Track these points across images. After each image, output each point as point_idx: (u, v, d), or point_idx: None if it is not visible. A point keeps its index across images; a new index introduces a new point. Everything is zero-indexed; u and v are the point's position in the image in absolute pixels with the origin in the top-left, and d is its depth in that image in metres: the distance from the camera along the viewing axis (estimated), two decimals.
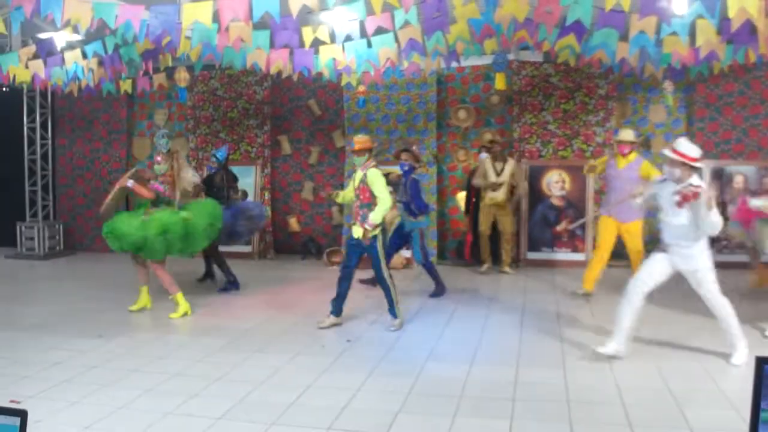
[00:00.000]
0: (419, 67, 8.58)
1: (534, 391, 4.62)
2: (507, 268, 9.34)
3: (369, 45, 7.14)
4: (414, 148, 8.15)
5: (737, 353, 5.17)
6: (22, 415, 1.89)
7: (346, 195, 6.62)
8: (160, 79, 9.11)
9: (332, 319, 6.49)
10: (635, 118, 10.07)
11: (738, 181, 9.14)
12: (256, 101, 11.28)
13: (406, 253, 9.57)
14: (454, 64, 8.39)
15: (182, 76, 8.96)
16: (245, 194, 10.64)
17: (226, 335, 6.21)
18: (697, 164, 5.04)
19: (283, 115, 11.46)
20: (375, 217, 6.15)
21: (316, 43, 6.89)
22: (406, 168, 7.85)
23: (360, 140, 6.40)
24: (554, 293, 7.96)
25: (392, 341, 5.97)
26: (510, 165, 9.19)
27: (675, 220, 5.13)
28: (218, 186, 8.43)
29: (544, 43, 6.85)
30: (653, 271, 5.32)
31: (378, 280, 6.45)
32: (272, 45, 6.87)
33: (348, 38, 6.86)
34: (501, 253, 9.44)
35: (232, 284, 8.40)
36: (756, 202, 6.25)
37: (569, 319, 6.66)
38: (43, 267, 10.77)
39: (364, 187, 6.25)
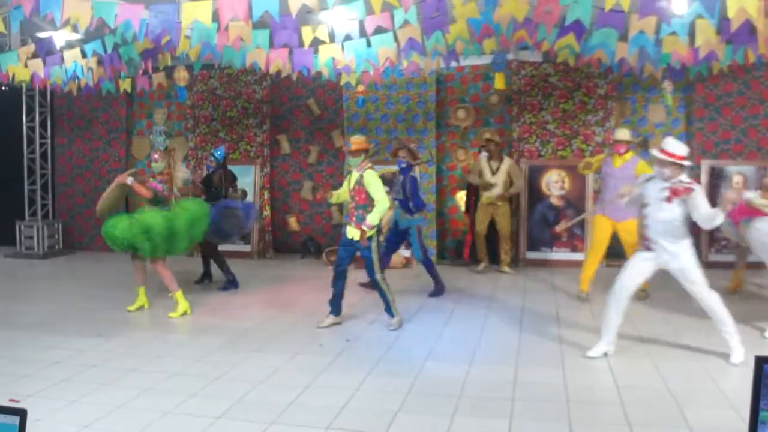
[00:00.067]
0: (418, 67, 8.58)
1: (533, 391, 4.62)
2: (506, 268, 9.34)
3: (368, 44, 7.13)
4: (411, 145, 8.18)
5: (735, 352, 5.19)
6: (22, 414, 1.89)
7: (341, 195, 6.61)
8: (159, 78, 9.11)
9: (332, 318, 6.49)
10: (634, 117, 10.08)
11: (737, 181, 9.14)
12: (255, 100, 11.28)
13: (405, 253, 9.59)
14: (453, 64, 8.39)
15: (181, 76, 8.95)
16: (244, 193, 10.63)
17: (224, 334, 6.21)
18: (686, 162, 5.10)
19: (283, 115, 11.46)
20: (373, 218, 6.16)
21: (316, 42, 6.89)
22: (404, 165, 7.87)
23: (357, 141, 6.39)
24: (553, 293, 7.97)
25: (391, 341, 5.97)
26: (506, 164, 9.19)
27: (662, 215, 5.17)
28: (217, 185, 8.43)
29: (544, 42, 6.84)
30: (638, 269, 5.35)
31: (372, 281, 6.44)
32: (271, 44, 6.87)
33: (347, 38, 6.86)
34: (500, 253, 9.45)
35: (231, 283, 8.41)
36: (750, 195, 6.25)
37: (568, 319, 6.66)
38: (42, 266, 10.76)
39: (360, 188, 6.25)
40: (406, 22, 6.19)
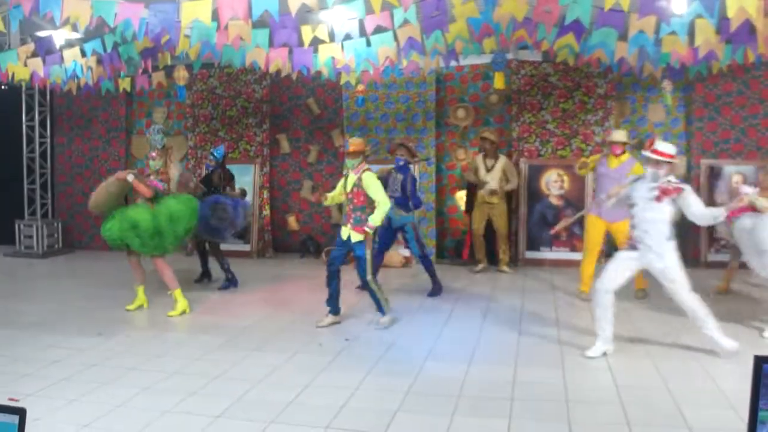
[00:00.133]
0: (418, 66, 8.58)
1: (532, 391, 4.62)
2: (505, 268, 9.34)
3: (368, 44, 7.13)
4: (410, 144, 8.19)
5: (723, 343, 5.26)
6: (21, 413, 1.89)
7: (335, 198, 6.61)
8: (159, 77, 9.11)
9: (331, 318, 6.50)
10: (634, 117, 10.08)
11: (736, 181, 9.14)
12: (255, 100, 11.27)
13: (404, 252, 9.58)
14: (453, 63, 8.38)
15: (181, 75, 8.94)
16: (244, 193, 10.63)
17: (224, 333, 6.21)
18: (676, 161, 5.25)
19: (282, 114, 11.46)
20: (375, 219, 6.19)
21: (315, 41, 6.89)
22: (402, 163, 7.89)
23: (355, 143, 6.40)
24: (553, 293, 7.97)
25: (391, 340, 5.97)
26: (501, 162, 9.18)
27: (650, 215, 5.23)
28: (216, 184, 8.44)
29: (543, 42, 6.85)
30: (620, 269, 5.38)
31: (361, 281, 6.43)
32: (271, 43, 6.87)
33: (347, 37, 6.86)
34: (498, 253, 9.44)
35: (230, 282, 8.42)
36: (747, 189, 6.24)
37: (567, 319, 6.66)
38: (42, 265, 10.76)
39: (359, 190, 6.25)
40: (405, 22, 6.19)
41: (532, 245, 10.03)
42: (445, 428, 3.99)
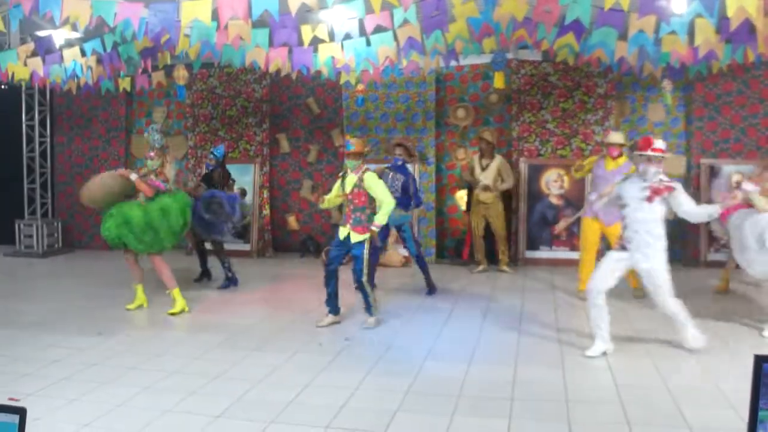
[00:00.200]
0: (418, 66, 8.58)
1: (532, 390, 4.62)
2: (505, 267, 9.34)
3: (368, 43, 7.13)
4: (408, 143, 8.21)
5: (695, 339, 5.37)
6: (21, 412, 1.89)
7: (331, 200, 6.60)
8: (158, 77, 9.11)
9: (330, 317, 6.50)
10: (634, 117, 10.08)
11: (737, 180, 9.14)
12: (254, 99, 11.27)
13: (404, 252, 9.58)
14: (452, 63, 8.38)
15: (181, 74, 8.94)
16: (243, 193, 10.66)
17: (224, 333, 6.21)
18: (668, 155, 5.41)
19: (282, 114, 11.45)
20: (381, 218, 6.21)
21: (315, 41, 6.89)
22: (400, 163, 7.91)
23: (357, 143, 6.41)
24: (553, 292, 7.97)
25: (390, 340, 5.97)
26: (496, 161, 9.17)
27: (641, 215, 5.25)
28: (217, 183, 8.46)
29: (543, 42, 6.85)
30: (610, 270, 5.40)
31: (356, 281, 6.39)
32: (271, 43, 6.88)
33: (347, 37, 6.86)
34: (497, 253, 9.44)
35: (231, 281, 8.44)
36: (750, 187, 6.25)
37: (567, 318, 6.66)
38: (42, 265, 10.76)
39: (360, 191, 6.26)
40: (405, 21, 6.20)
41: (532, 245, 10.04)
42: (445, 428, 3.99)
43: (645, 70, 8.26)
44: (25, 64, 7.97)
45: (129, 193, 7.02)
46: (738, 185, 6.48)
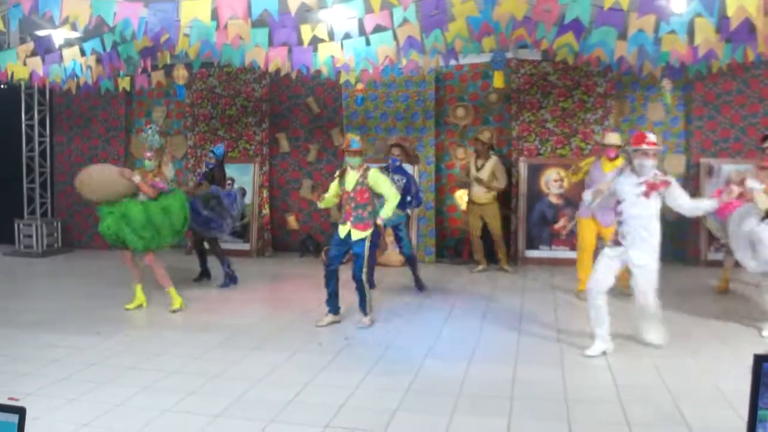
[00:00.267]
0: (418, 65, 8.57)
1: (532, 390, 4.62)
2: (506, 267, 9.34)
3: (367, 43, 7.13)
4: (406, 143, 8.23)
5: (660, 335, 5.49)
6: (21, 412, 1.89)
7: (330, 200, 6.59)
8: (158, 76, 9.10)
9: (330, 317, 6.49)
10: (633, 116, 10.08)
11: (740, 179, 9.12)
12: (254, 99, 11.27)
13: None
14: (452, 62, 8.38)
15: (181, 74, 8.93)
16: (243, 192, 10.66)
17: (223, 332, 6.21)
18: (660, 148, 5.45)
19: (282, 113, 11.45)
20: (387, 212, 6.28)
21: (315, 40, 6.89)
22: (398, 164, 7.92)
23: (360, 141, 6.43)
24: (552, 292, 7.97)
25: (390, 340, 5.97)
26: (491, 162, 9.17)
27: (637, 211, 5.26)
28: (218, 181, 8.51)
29: (543, 41, 6.84)
30: (607, 269, 5.40)
31: (355, 279, 6.39)
32: (271, 43, 6.87)
33: (346, 36, 6.86)
34: (497, 253, 9.44)
35: (230, 278, 8.48)
36: (754, 184, 6.24)
37: (567, 318, 6.66)
38: (41, 264, 10.76)
39: (363, 188, 6.27)
40: (405, 21, 6.20)
41: (532, 244, 10.03)
42: (445, 427, 3.99)
43: (644, 70, 8.26)
44: (25, 64, 7.96)
45: (129, 194, 7.02)
46: (741, 182, 6.46)
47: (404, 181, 7.88)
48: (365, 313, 6.45)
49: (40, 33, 8.22)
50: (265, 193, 11.22)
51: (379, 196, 6.45)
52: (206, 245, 8.68)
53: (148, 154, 7.19)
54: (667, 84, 8.66)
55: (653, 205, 5.25)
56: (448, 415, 4.15)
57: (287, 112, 11.43)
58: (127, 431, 3.97)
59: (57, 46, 7.90)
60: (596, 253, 7.71)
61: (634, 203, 5.25)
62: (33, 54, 7.91)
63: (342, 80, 9.21)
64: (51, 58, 7.98)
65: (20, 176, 11.76)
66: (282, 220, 11.42)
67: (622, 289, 7.24)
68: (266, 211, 11.21)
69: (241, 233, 10.76)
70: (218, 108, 11.42)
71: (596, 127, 9.93)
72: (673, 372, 4.92)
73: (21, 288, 8.69)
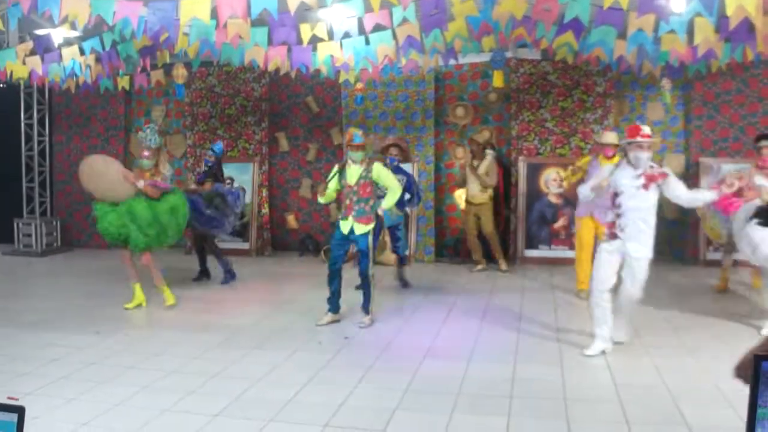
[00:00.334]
0: (417, 65, 8.58)
1: (531, 389, 4.63)
2: (502, 267, 9.31)
3: (367, 42, 7.12)
4: (403, 143, 8.25)
5: (626, 333, 5.56)
6: (20, 411, 1.89)
7: (330, 195, 6.58)
8: (157, 75, 9.09)
9: (330, 316, 6.49)
10: (633, 115, 10.06)
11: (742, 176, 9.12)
12: (253, 98, 11.26)
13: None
14: (452, 62, 8.38)
15: (180, 73, 8.94)
16: (243, 191, 10.65)
17: (223, 332, 6.21)
18: (656, 139, 5.55)
19: (281, 112, 11.45)
20: (388, 203, 6.37)
21: (314, 40, 6.88)
22: (396, 163, 7.95)
23: (363, 135, 6.45)
24: (552, 291, 7.97)
25: (389, 339, 5.98)
26: (485, 162, 9.18)
27: (636, 203, 5.26)
28: (219, 178, 8.63)
29: (542, 40, 6.84)
30: (609, 265, 5.38)
31: (361, 274, 6.42)
32: (270, 42, 6.87)
33: (346, 35, 6.85)
34: (492, 253, 9.46)
35: (228, 273, 8.58)
36: (761, 181, 6.24)
37: (566, 317, 6.66)
38: (41, 263, 10.75)
39: (366, 182, 6.29)
40: (404, 20, 6.19)
41: (531, 243, 10.03)
42: (444, 426, 3.99)
43: (644, 69, 8.26)
44: (24, 63, 7.96)
45: (128, 196, 7.02)
46: (740, 179, 6.48)
47: (405, 180, 7.90)
48: (367, 312, 6.45)
49: (40, 32, 8.21)
50: (265, 193, 11.22)
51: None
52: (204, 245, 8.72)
53: (146, 153, 7.19)
54: (666, 83, 8.66)
55: (652, 197, 5.26)
56: (447, 414, 4.16)
57: (287, 112, 11.43)
58: (126, 430, 3.97)
59: (56, 45, 7.89)
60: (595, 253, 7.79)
61: (633, 196, 5.25)
62: (32, 53, 7.90)
63: (341, 79, 9.21)
64: (50, 57, 7.97)
65: (19, 175, 11.76)
66: (281, 219, 11.41)
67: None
68: (265, 210, 11.21)
69: (241, 232, 10.76)
70: (217, 107, 11.42)
71: (596, 126, 9.92)
72: (673, 371, 4.92)
73: (20, 287, 8.69)
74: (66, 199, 12.24)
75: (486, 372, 5.00)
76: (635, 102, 10.09)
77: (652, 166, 5.29)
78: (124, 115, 12.05)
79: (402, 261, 8.35)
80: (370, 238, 6.32)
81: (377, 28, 6.41)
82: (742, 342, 5.32)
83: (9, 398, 3.85)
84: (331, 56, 7.52)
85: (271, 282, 8.95)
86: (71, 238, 12.19)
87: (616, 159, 7.17)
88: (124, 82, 9.26)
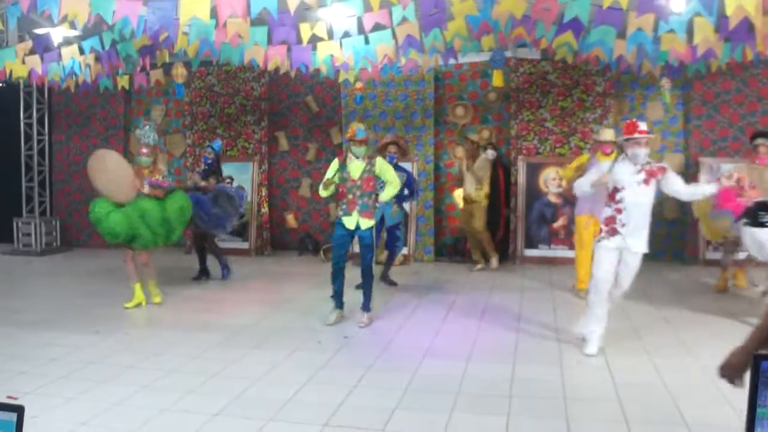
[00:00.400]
0: (417, 64, 8.58)
1: (530, 388, 4.62)
2: (493, 264, 9.30)
3: (366, 41, 7.12)
4: (401, 141, 8.27)
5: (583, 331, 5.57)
6: (19, 410, 1.88)
7: (332, 189, 6.56)
8: (157, 75, 9.10)
9: (338, 314, 6.48)
10: (632, 115, 10.04)
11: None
12: (253, 97, 11.26)
13: (403, 250, 9.60)
14: (451, 61, 8.39)
15: (179, 72, 8.95)
16: (242, 190, 10.66)
17: (222, 331, 6.20)
18: (653, 135, 5.55)
19: (281, 112, 11.45)
20: (387, 195, 6.44)
21: (314, 39, 6.88)
22: (395, 161, 7.96)
23: (365, 130, 6.46)
24: (551, 290, 7.97)
25: (389, 338, 5.97)
26: (480, 160, 9.19)
27: (638, 199, 5.27)
28: (219, 176, 8.68)
29: (542, 40, 6.85)
30: (609, 261, 5.38)
31: (365, 269, 6.40)
32: (270, 41, 6.87)
33: (345, 35, 6.85)
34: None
35: (226, 269, 8.71)
36: None
37: (566, 317, 6.65)
38: (40, 263, 10.75)
39: (369, 176, 6.30)
40: (404, 19, 6.20)
41: (531, 243, 10.04)
42: (444, 425, 3.99)
43: (643, 69, 8.26)
44: (24, 62, 7.96)
45: (128, 199, 7.05)
46: (743, 178, 6.51)
47: (405, 177, 7.95)
48: (367, 309, 6.45)
49: (39, 31, 8.20)
50: (264, 192, 11.22)
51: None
52: (205, 244, 8.74)
53: (145, 150, 7.21)
54: (666, 83, 8.67)
55: (651, 192, 5.29)
56: (447, 414, 4.15)
57: (286, 111, 11.43)
58: (125, 430, 3.97)
59: (56, 44, 7.90)
60: None
61: (634, 191, 5.25)
62: (32, 52, 7.90)
63: (341, 79, 9.21)
64: (50, 56, 7.97)
65: (19, 175, 11.76)
66: (281, 218, 11.42)
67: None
68: (265, 209, 11.21)
69: (240, 232, 10.76)
70: (217, 106, 11.42)
71: (595, 126, 9.92)
72: (672, 371, 4.92)
73: (20, 287, 8.69)
74: (65, 198, 12.25)
75: (485, 371, 5.00)
76: (635, 101, 10.10)
77: (649, 162, 5.31)
78: (123, 114, 12.06)
79: (391, 257, 8.38)
80: (374, 232, 6.37)
81: (377, 27, 6.41)
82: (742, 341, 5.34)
83: (8, 397, 3.84)
84: (331, 56, 7.52)
85: (270, 281, 8.94)
86: (71, 237, 12.19)
87: (614, 156, 7.20)
88: (123, 82, 9.26)
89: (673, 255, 9.73)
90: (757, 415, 1.93)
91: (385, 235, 8.23)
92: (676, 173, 5.45)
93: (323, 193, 6.49)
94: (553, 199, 9.99)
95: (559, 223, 9.88)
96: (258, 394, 4.57)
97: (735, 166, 7.51)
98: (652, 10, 5.70)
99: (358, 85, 9.53)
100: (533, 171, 10.09)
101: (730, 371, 2.31)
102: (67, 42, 7.99)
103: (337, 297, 6.50)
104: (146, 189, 6.99)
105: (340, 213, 6.40)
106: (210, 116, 11.46)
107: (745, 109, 9.57)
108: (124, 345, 5.80)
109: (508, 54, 9.82)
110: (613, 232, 5.31)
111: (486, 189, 9.19)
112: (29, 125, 11.69)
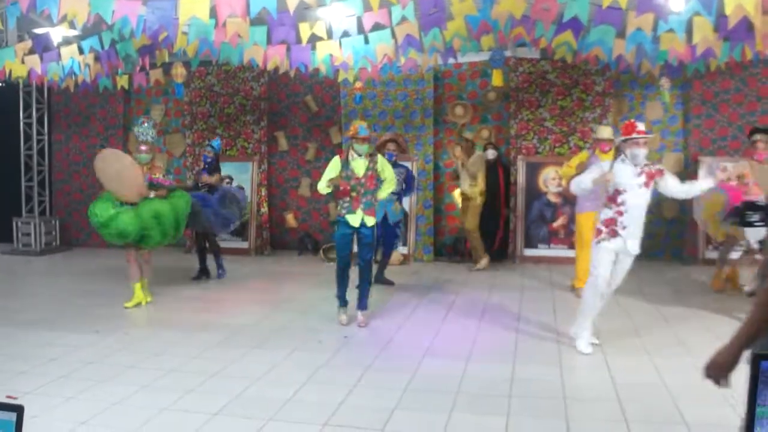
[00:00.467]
0: (416, 64, 8.57)
1: (530, 388, 4.63)
2: (479, 264, 9.29)
3: (366, 41, 7.12)
4: (400, 139, 8.28)
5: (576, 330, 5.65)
6: (19, 410, 1.88)
7: (331, 187, 6.56)
8: (156, 74, 9.10)
9: (346, 312, 6.48)
10: (632, 114, 10.06)
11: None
12: (253, 97, 11.26)
13: (402, 250, 9.61)
14: (451, 61, 8.39)
15: (179, 72, 8.95)
16: (242, 190, 10.67)
17: (222, 331, 6.20)
18: (652, 136, 5.57)
19: (280, 111, 11.44)
20: (384, 193, 6.43)
21: (313, 39, 6.88)
22: (394, 159, 7.97)
23: (368, 128, 6.45)
24: (551, 290, 7.97)
25: (389, 338, 5.98)
26: (473, 156, 9.20)
27: (639, 200, 5.29)
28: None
29: (541, 39, 6.85)
30: (609, 261, 5.39)
31: (364, 268, 6.40)
32: (269, 41, 6.87)
33: (345, 34, 6.85)
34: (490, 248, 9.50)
35: (220, 268, 8.78)
36: None
37: (565, 316, 6.65)
38: (40, 263, 10.75)
39: (373, 174, 6.30)
40: (403, 19, 6.19)
41: (530, 242, 10.04)
42: (443, 425, 3.99)
43: (643, 68, 8.26)
44: (23, 62, 7.95)
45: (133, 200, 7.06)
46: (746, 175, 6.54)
47: (405, 173, 8.07)
48: (364, 307, 6.43)
49: (38, 31, 8.20)
50: (264, 192, 11.22)
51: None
52: (206, 244, 8.77)
53: (144, 148, 7.22)
54: (665, 82, 8.66)
55: (649, 194, 5.34)
56: (446, 414, 4.16)
57: (286, 111, 11.42)
58: (125, 430, 3.97)
59: (55, 44, 7.89)
60: None
61: (636, 193, 5.27)
62: (31, 52, 7.90)
63: (340, 78, 9.21)
64: (49, 56, 7.97)
65: (18, 174, 11.75)
66: (280, 218, 11.41)
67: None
68: (265, 209, 11.21)
69: (240, 231, 10.76)
70: (217, 106, 11.41)
71: (595, 125, 9.90)
72: (671, 370, 4.92)
73: (19, 286, 8.68)
74: (65, 198, 12.24)
75: (485, 371, 5.00)
76: (634, 101, 10.10)
77: (646, 164, 5.32)
78: (123, 114, 12.05)
79: (386, 255, 8.37)
80: (375, 229, 6.40)
81: (376, 27, 6.41)
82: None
83: (8, 397, 3.84)
84: (330, 55, 7.52)
85: (270, 281, 8.94)
86: (70, 237, 12.18)
87: (611, 154, 7.21)
88: (123, 81, 9.26)
89: (672, 254, 9.73)
90: (757, 415, 1.93)
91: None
92: (672, 173, 5.49)
93: (323, 189, 6.44)
94: (552, 198, 9.99)
95: (559, 222, 9.88)
96: (258, 393, 4.58)
97: (736, 164, 7.53)
98: (652, 10, 5.70)
99: (358, 84, 9.53)
100: (533, 170, 10.09)
101: (715, 371, 2.31)
102: (67, 42, 7.99)
103: (344, 296, 6.51)
104: (152, 195, 7.02)
105: (343, 211, 6.32)
106: (209, 116, 11.45)
107: (745, 108, 9.57)
108: (123, 345, 5.80)
109: (508, 53, 9.82)
110: (614, 234, 5.32)
111: (481, 186, 9.17)
112: (29, 125, 11.68)
